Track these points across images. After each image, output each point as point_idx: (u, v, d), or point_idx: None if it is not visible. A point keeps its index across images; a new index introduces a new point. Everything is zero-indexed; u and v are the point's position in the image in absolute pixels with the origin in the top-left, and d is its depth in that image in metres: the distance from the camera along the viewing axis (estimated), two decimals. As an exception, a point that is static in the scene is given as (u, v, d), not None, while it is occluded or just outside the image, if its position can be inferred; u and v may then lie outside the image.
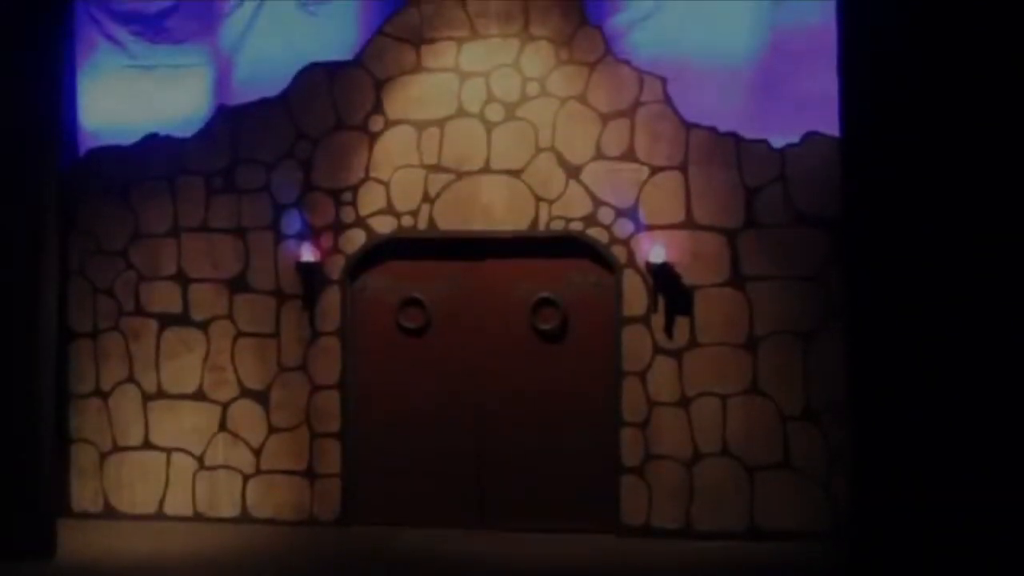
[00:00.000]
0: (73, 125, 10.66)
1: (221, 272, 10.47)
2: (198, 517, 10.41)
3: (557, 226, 10.02)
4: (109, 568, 8.97)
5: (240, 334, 10.43)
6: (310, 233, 10.33)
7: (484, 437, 10.14)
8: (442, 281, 10.29)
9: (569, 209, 10.00)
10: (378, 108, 10.29)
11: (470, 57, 10.17)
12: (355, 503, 10.27)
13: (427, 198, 10.20)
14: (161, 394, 10.53)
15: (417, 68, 10.25)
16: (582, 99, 10.02)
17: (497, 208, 10.09)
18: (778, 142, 9.75)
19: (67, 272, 10.44)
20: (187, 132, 10.58)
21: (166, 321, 10.54)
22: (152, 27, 10.84)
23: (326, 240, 10.32)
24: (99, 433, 10.61)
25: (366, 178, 10.29)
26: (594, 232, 9.98)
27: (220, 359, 10.44)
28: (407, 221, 10.23)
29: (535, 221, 10.04)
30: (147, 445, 10.55)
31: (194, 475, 10.47)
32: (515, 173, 10.07)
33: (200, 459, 10.46)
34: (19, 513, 8.91)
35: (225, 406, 10.43)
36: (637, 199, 9.92)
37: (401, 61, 10.26)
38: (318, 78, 10.38)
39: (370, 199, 10.28)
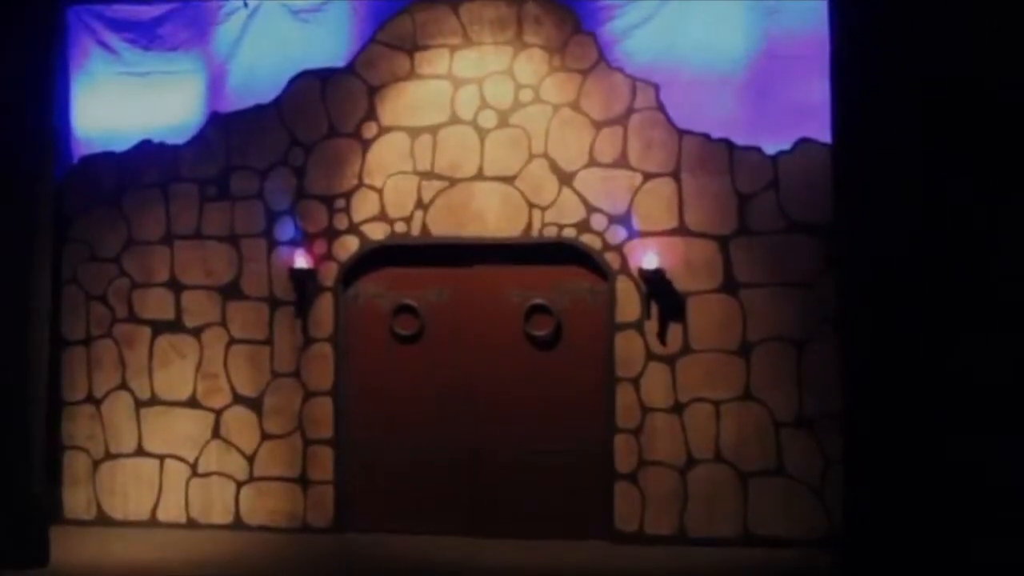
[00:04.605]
0: (66, 132, 10.68)
1: (214, 279, 10.47)
2: (191, 524, 10.41)
3: (550, 233, 10.03)
4: (102, 575, 8.95)
5: (233, 341, 10.43)
6: (303, 240, 10.33)
7: (478, 444, 10.14)
8: (435, 288, 10.29)
9: (562, 216, 10.02)
10: (371, 115, 10.30)
11: (463, 64, 10.19)
12: (348, 510, 10.27)
13: (420, 205, 10.21)
14: (154, 401, 10.53)
15: (410, 75, 10.26)
16: (575, 106, 10.04)
17: (490, 215, 10.10)
18: (770, 149, 9.77)
19: (60, 279, 10.42)
20: (180, 139, 10.59)
21: (159, 328, 10.54)
22: (146, 34, 10.84)
23: (319, 247, 10.32)
24: (92, 440, 10.60)
25: (359, 185, 10.30)
26: (587, 239, 9.99)
27: (213, 366, 10.44)
28: (400, 228, 10.24)
29: (528, 228, 10.06)
30: (140, 452, 10.54)
31: (187, 482, 10.46)
32: (508, 180, 10.09)
33: (193, 466, 10.45)
34: (11, 520, 8.89)
35: (218, 413, 10.43)
36: (630, 206, 9.94)
37: (394, 68, 10.28)
38: (311, 85, 10.39)
39: (363, 206, 10.29)
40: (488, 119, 10.13)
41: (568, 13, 10.10)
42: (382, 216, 10.26)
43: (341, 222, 10.32)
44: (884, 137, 7.66)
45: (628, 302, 9.90)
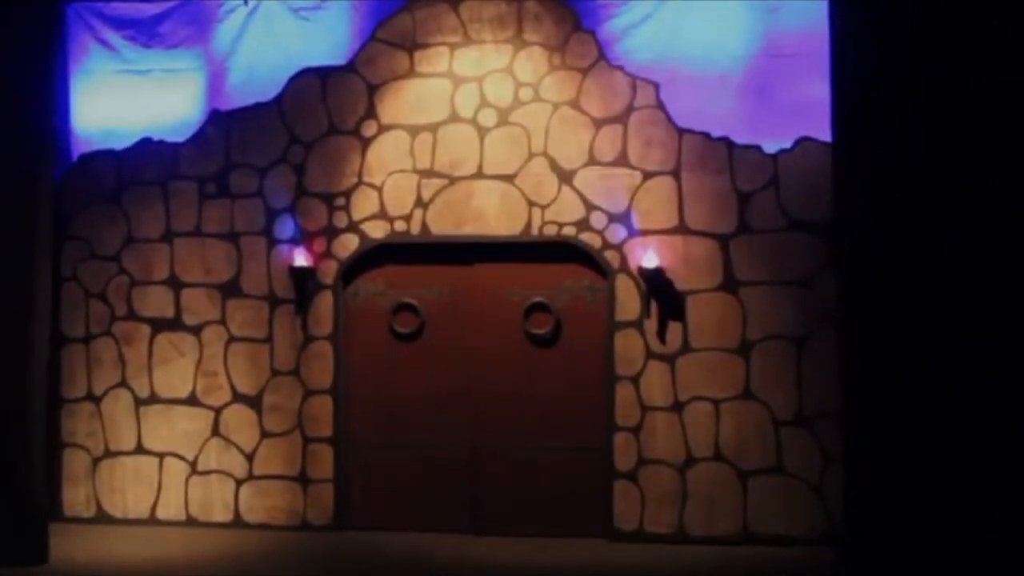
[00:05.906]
0: (66, 130, 10.69)
1: (214, 277, 10.47)
2: (191, 522, 10.41)
3: (550, 231, 10.03)
4: (101, 573, 8.95)
5: (233, 339, 10.43)
6: (303, 238, 10.33)
7: (477, 442, 10.14)
8: (435, 286, 10.29)
9: (562, 214, 10.01)
10: (371, 113, 10.30)
11: (463, 62, 10.18)
12: (348, 508, 10.27)
13: (420, 203, 10.21)
14: (154, 399, 10.53)
15: (410, 73, 10.25)
16: (575, 104, 10.03)
17: (490, 213, 10.10)
18: (770, 147, 9.77)
19: (60, 277, 10.42)
20: (180, 137, 10.59)
21: (159, 326, 10.54)
22: (145, 32, 10.84)
23: (319, 245, 10.32)
24: (91, 438, 10.60)
25: (359, 183, 10.30)
26: (587, 237, 9.99)
27: (213, 364, 10.44)
28: (400, 226, 10.23)
29: (528, 226, 10.06)
30: (140, 450, 10.54)
31: (187, 480, 10.47)
32: (508, 178, 10.09)
33: (193, 464, 10.46)
34: (11, 518, 8.89)
35: (218, 411, 10.43)
36: (630, 204, 9.94)
37: (394, 66, 10.27)
38: (311, 83, 10.39)
39: (363, 204, 10.29)
40: (488, 117, 10.13)
41: (568, 11, 10.09)
42: (382, 214, 10.26)
43: (341, 220, 10.32)
44: (884, 137, 7.65)
45: (628, 300, 9.90)
